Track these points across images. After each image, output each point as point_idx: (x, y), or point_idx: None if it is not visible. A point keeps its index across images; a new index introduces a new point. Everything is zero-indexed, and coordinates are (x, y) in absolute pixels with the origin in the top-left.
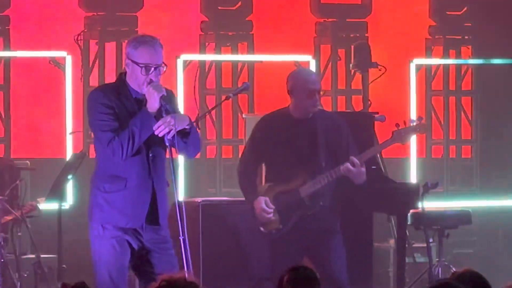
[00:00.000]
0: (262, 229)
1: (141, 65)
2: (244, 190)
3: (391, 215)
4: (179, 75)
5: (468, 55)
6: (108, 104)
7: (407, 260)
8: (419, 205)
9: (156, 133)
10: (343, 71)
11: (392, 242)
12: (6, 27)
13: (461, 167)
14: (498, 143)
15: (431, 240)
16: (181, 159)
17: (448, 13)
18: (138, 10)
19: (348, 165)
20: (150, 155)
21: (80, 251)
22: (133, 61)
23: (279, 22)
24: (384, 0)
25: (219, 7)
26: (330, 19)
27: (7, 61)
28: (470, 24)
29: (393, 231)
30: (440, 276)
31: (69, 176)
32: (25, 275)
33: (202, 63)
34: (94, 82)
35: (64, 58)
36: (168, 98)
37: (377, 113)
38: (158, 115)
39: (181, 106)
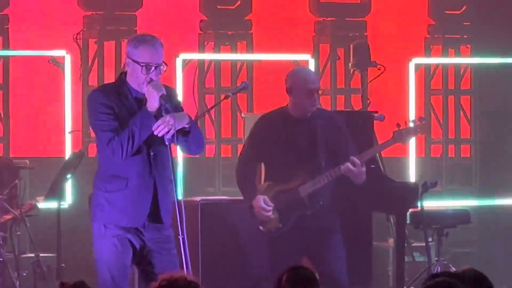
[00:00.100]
0: (261, 228)
1: (141, 64)
2: (242, 189)
3: (390, 215)
4: (178, 74)
5: (467, 54)
6: (108, 104)
7: (406, 259)
8: (418, 204)
9: (155, 133)
10: (342, 70)
11: (391, 241)
12: (5, 26)
13: (460, 166)
14: (497, 142)
15: (430, 239)
16: (180, 158)
17: (447, 12)
18: (137, 9)
19: (349, 165)
20: (151, 153)
21: (79, 250)
22: (133, 60)
23: (278, 21)
24: None
25: (218, 6)
26: (329, 18)
27: (6, 60)
28: (469, 23)
29: (392, 230)
30: None
31: (68, 175)
32: (24, 274)
33: (201, 62)
34: (93, 81)
35: (63, 57)
36: (169, 97)
37: (377, 112)
38: (158, 115)
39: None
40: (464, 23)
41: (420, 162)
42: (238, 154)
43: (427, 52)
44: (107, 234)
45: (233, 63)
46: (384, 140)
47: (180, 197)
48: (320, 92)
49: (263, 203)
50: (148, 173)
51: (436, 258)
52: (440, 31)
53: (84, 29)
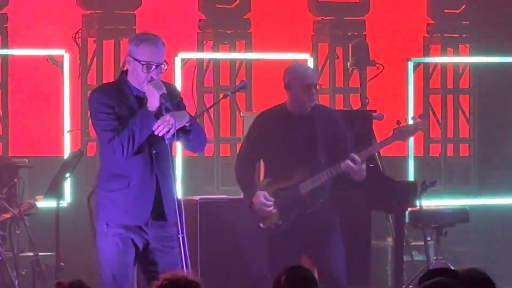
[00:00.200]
0: (261, 225)
1: (142, 62)
2: (242, 186)
3: (389, 214)
4: (177, 73)
5: (466, 54)
6: (108, 104)
7: (405, 258)
8: (417, 203)
9: (156, 132)
10: (341, 69)
11: (390, 240)
12: (4, 25)
13: (459, 165)
14: (496, 141)
15: (428, 238)
16: (179, 158)
17: (445, 11)
18: (136, 8)
19: (349, 162)
20: (153, 152)
21: (78, 249)
22: (134, 59)
23: (277, 20)
24: None
25: (217, 5)
26: (328, 17)
27: (5, 59)
28: (468, 23)
29: (391, 229)
30: None
31: (67, 174)
32: (23, 273)
33: (200, 61)
34: (92, 80)
35: (62, 56)
36: (170, 95)
37: (375, 111)
38: (158, 113)
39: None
40: (463, 22)
41: (419, 161)
42: (237, 152)
43: (426, 51)
44: (109, 233)
45: (232, 62)
46: (383, 139)
47: (179, 196)
48: (318, 87)
49: (263, 198)
50: (150, 171)
51: (435, 257)
52: (439, 30)
53: (83, 28)
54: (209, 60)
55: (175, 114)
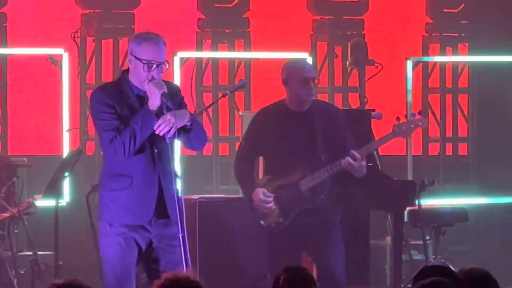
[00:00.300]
0: (262, 222)
1: (143, 61)
2: (241, 183)
3: (388, 213)
4: (176, 72)
5: (464, 53)
6: (110, 103)
7: (403, 257)
8: (416, 202)
9: (156, 132)
10: (339, 69)
11: (388, 239)
12: (3, 24)
13: (457, 165)
14: (495, 141)
15: (427, 237)
16: (177, 157)
17: (444, 10)
18: (135, 7)
19: (349, 159)
20: (155, 150)
21: (77, 248)
22: (136, 57)
23: (276, 19)
24: None
25: (216, 5)
26: (326, 17)
27: (4, 58)
28: (466, 22)
29: (390, 228)
30: None
31: (66, 173)
32: (22, 272)
33: (198, 61)
34: (91, 79)
35: (61, 55)
36: (171, 94)
37: (374, 110)
38: (159, 112)
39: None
40: (462, 22)
41: (417, 160)
42: (236, 150)
43: (425, 51)
44: (112, 232)
45: (231, 61)
46: (383, 136)
47: (180, 194)
48: (316, 81)
49: (262, 195)
50: (152, 170)
51: (434, 256)
52: (438, 29)
53: (82, 27)
54: (208, 59)
55: (176, 113)
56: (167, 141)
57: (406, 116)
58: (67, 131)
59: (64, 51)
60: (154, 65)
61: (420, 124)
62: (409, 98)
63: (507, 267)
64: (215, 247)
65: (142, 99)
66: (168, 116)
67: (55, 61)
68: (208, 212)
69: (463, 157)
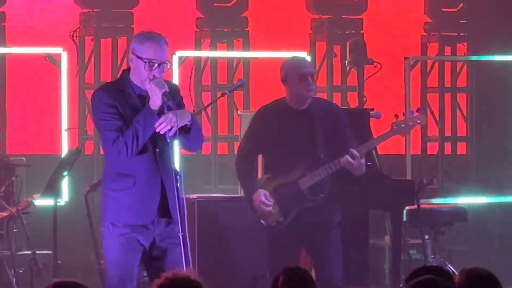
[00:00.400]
0: (262, 221)
1: (145, 60)
2: (242, 182)
3: (387, 212)
4: (175, 72)
5: (463, 52)
6: (111, 103)
7: (402, 257)
8: (415, 202)
9: (157, 130)
10: (338, 68)
11: (387, 239)
12: (2, 23)
13: (456, 164)
14: (494, 140)
15: (426, 237)
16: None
17: (443, 10)
18: (133, 6)
19: (348, 157)
20: (157, 150)
21: (75, 247)
22: (137, 56)
23: (275, 18)
24: None
25: (215, 4)
26: (325, 16)
27: (3, 57)
28: (465, 21)
29: (388, 228)
30: None
31: (65, 173)
32: (21, 271)
33: (197, 60)
34: (89, 78)
35: (59, 55)
36: (171, 93)
37: (373, 109)
38: (160, 111)
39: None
40: (461, 21)
41: (416, 159)
42: (235, 152)
43: (424, 50)
44: (115, 232)
45: (230, 60)
46: (382, 133)
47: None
48: (315, 76)
49: (264, 197)
50: (154, 169)
51: (433, 256)
52: (437, 28)
53: (81, 27)
54: (207, 59)
55: (177, 113)
56: (168, 140)
57: (404, 114)
58: (65, 130)
59: (63, 50)
60: (156, 64)
61: (419, 121)
62: (408, 97)
63: (507, 266)
64: (214, 247)
65: (144, 98)
66: (170, 115)
67: (53, 60)
68: (207, 211)
69: (462, 156)
